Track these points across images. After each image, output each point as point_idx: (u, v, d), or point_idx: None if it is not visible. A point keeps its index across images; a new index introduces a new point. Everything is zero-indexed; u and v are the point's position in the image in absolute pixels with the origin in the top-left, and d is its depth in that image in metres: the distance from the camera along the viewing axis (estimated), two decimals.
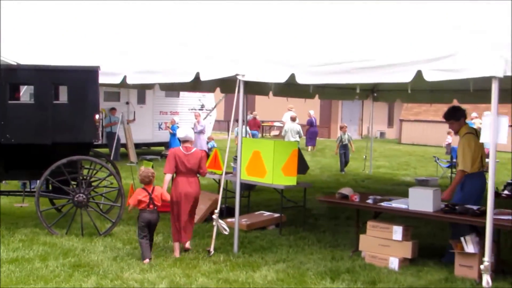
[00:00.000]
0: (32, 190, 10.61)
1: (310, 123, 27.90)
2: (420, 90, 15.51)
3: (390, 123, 43.13)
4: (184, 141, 8.51)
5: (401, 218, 9.10)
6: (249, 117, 42.46)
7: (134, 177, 13.63)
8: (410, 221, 9.17)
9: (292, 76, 8.11)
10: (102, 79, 9.69)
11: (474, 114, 28.50)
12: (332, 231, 10.36)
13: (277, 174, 9.88)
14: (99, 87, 9.51)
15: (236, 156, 9.16)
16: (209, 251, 8.46)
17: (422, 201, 7.89)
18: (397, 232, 8.23)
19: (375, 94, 17.59)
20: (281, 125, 33.59)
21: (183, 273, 7.54)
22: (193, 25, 10.69)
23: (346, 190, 8.83)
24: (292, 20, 9.45)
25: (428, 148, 33.51)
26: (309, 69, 7.99)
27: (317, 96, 16.07)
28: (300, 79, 8.05)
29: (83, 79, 9.41)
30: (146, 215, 8.07)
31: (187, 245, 8.56)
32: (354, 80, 7.64)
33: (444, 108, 31.60)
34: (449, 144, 27.28)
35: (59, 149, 9.39)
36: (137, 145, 20.85)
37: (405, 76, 7.09)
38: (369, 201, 8.53)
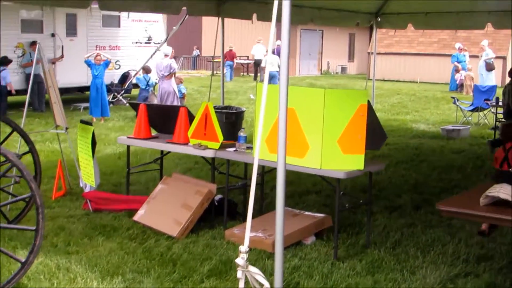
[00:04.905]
0: None
1: (279, 54, 23.79)
2: (441, 13, 12.60)
3: (351, 57, 38.97)
4: None
5: None
6: (195, 53, 37.61)
7: (63, 147, 8.73)
8: None
9: None
10: None
11: (458, 45, 24.71)
12: (415, 243, 5.98)
13: (329, 151, 5.31)
14: None
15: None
16: None
17: None
18: None
19: (379, 19, 13.99)
20: (249, 61, 29.86)
21: None
22: None
23: (504, 190, 4.27)
24: None
25: (408, 84, 29.69)
26: None
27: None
28: None
29: None
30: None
31: None
32: None
33: (428, 37, 27.48)
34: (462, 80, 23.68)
35: None
36: (67, 90, 16.62)
37: None
38: None
